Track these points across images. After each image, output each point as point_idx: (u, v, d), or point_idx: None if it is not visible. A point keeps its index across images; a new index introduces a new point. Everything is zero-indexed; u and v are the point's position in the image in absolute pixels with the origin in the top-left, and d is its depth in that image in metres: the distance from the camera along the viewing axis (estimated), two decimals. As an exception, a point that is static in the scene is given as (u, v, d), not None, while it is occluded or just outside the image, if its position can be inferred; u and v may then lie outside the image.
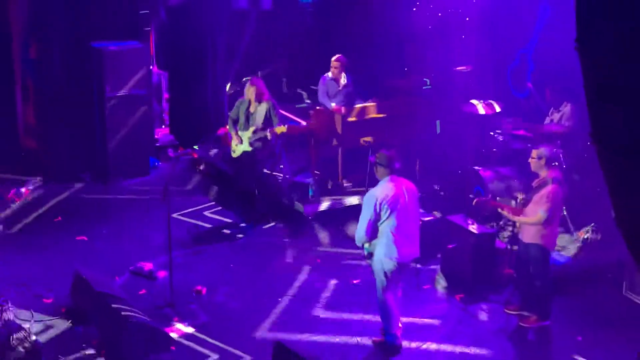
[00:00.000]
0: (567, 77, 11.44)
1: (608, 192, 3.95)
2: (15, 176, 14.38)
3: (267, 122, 12.49)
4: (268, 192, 13.13)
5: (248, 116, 12.58)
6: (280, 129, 12.45)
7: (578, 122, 12.68)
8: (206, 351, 9.44)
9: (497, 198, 11.89)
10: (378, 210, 9.03)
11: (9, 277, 10.89)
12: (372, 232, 9.11)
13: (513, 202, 10.68)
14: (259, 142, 12.57)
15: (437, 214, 11.88)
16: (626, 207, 3.87)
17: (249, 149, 12.58)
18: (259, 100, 12.53)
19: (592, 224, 12.09)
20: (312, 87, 15.11)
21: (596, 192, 12.28)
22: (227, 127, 12.89)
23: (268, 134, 12.41)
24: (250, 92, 12.59)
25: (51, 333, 9.71)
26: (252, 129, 12.49)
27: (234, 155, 12.79)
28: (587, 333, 9.90)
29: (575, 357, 9.36)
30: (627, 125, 3.61)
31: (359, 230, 9.21)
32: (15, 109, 14.90)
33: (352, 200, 13.12)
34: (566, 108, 12.87)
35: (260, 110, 12.52)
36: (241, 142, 12.58)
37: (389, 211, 9.03)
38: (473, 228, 10.83)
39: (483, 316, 10.30)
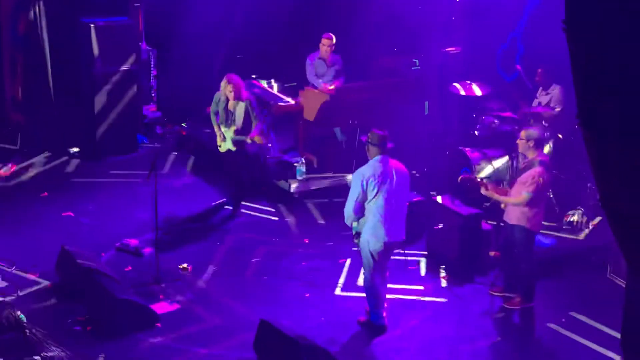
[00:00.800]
0: (556, 60, 11.48)
1: (593, 174, 3.96)
2: (2, 150, 14.34)
3: (247, 122, 12.04)
4: (256, 175, 13.10)
5: (228, 113, 12.12)
6: (258, 139, 12.04)
7: (567, 105, 12.70)
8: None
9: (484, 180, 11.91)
10: (365, 188, 9.04)
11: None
12: (360, 210, 9.13)
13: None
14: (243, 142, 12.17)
15: (434, 194, 11.57)
16: (611, 189, 3.88)
17: (234, 148, 12.14)
18: (237, 98, 12.01)
19: (579, 207, 12.15)
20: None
21: (582, 175, 12.35)
22: (211, 119, 12.35)
23: (248, 140, 12.00)
24: (227, 90, 12.01)
25: (36, 309, 9.71)
26: (233, 128, 12.05)
27: (221, 150, 12.34)
28: (571, 315, 9.96)
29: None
30: (614, 108, 3.61)
31: (347, 209, 9.21)
32: (2, 83, 14.85)
33: (340, 179, 13.13)
34: (555, 91, 12.88)
35: (239, 110, 12.02)
36: (225, 139, 12.16)
37: (376, 190, 9.04)
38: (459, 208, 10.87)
39: (467, 297, 10.34)
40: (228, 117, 12.09)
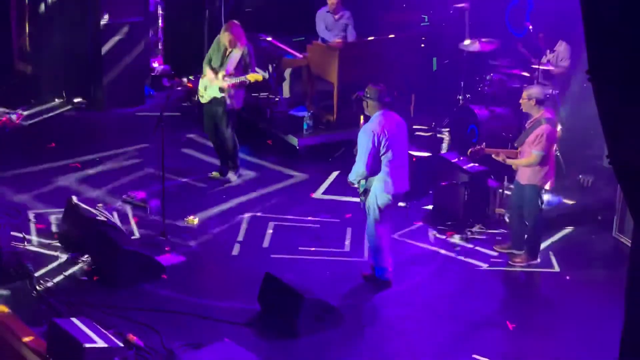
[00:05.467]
0: (566, 16, 11.39)
1: (603, 129, 3.95)
2: (8, 101, 14.32)
3: (240, 69, 11.53)
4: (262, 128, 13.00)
5: (224, 59, 11.59)
6: (255, 76, 11.53)
7: (574, 61, 12.64)
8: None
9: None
10: (376, 144, 9.01)
11: (1, 202, 10.91)
12: (373, 167, 9.08)
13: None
14: (230, 90, 11.53)
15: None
16: (620, 143, 3.87)
17: (219, 95, 11.58)
18: (233, 46, 11.53)
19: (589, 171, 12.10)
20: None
21: (589, 134, 12.31)
22: (203, 65, 11.86)
23: (225, 83, 11.41)
24: (224, 38, 11.56)
25: (43, 258, 9.75)
26: (222, 73, 11.51)
27: (203, 100, 11.82)
28: (575, 273, 10.00)
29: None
30: (624, 61, 3.59)
31: (358, 166, 9.14)
32: (10, 34, 14.80)
33: (346, 135, 13.11)
34: (560, 47, 12.82)
35: (234, 56, 11.55)
36: (215, 75, 11.48)
37: (386, 145, 9.02)
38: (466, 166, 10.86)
39: (473, 254, 10.36)
40: (224, 63, 11.61)
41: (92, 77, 14.50)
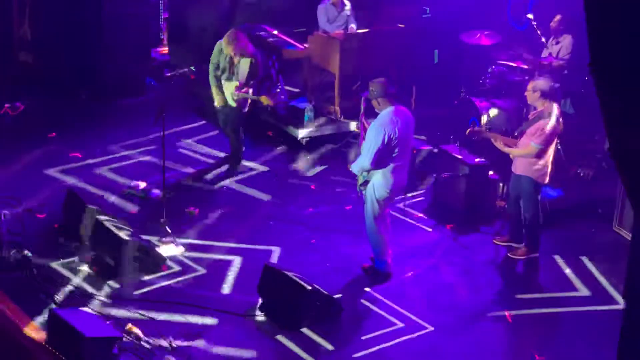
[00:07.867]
0: (569, 9, 11.40)
1: (604, 122, 3.95)
2: (10, 90, 14.30)
3: (251, 77, 11.55)
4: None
5: (232, 66, 11.59)
6: (267, 100, 11.69)
7: (576, 55, 12.63)
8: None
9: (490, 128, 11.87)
10: (386, 141, 8.93)
11: (1, 192, 10.90)
12: (378, 163, 9.03)
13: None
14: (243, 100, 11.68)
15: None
16: (622, 137, 3.87)
17: (234, 104, 11.67)
18: (241, 54, 11.51)
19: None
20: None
21: (591, 127, 12.32)
22: (209, 71, 11.82)
23: (235, 95, 11.49)
24: (229, 49, 11.52)
25: (43, 248, 9.75)
26: (235, 84, 11.52)
27: (217, 104, 11.89)
28: (575, 266, 10.00)
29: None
30: (628, 52, 3.60)
31: (363, 160, 9.09)
32: (11, 24, 14.78)
33: (348, 126, 13.11)
34: (565, 40, 12.81)
35: (243, 65, 11.50)
36: (224, 100, 11.67)
37: (395, 144, 8.97)
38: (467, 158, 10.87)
39: (473, 247, 10.36)
40: (232, 71, 11.59)
41: (93, 67, 14.47)
